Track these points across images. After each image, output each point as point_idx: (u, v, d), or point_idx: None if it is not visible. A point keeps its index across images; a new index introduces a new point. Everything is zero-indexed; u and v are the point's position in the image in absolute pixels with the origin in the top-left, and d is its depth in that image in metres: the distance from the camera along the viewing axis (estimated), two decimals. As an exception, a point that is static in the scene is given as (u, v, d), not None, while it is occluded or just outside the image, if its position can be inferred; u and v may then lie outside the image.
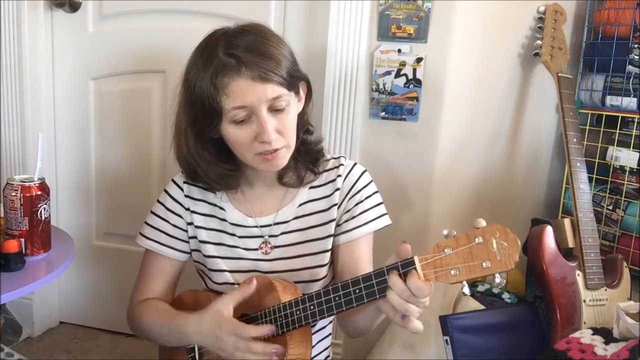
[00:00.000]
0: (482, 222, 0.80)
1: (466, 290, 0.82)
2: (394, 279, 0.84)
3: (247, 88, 0.97)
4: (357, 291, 0.90)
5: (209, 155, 1.06)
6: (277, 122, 1.00)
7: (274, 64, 0.98)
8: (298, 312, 0.96)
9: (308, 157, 1.12)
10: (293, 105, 1.04)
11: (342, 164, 1.13)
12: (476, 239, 0.79)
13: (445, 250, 0.81)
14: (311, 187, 1.13)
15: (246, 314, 1.04)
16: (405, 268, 0.84)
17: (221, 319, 0.96)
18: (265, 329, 0.96)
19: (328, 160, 1.15)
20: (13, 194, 1.07)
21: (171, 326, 1.06)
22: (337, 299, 0.92)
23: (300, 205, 1.12)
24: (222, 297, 1.00)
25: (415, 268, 0.83)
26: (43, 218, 1.10)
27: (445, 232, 0.82)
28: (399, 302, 0.84)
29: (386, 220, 1.12)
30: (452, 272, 0.81)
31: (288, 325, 0.97)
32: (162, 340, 1.12)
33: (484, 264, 0.79)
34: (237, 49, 0.97)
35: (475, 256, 0.79)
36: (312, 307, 0.95)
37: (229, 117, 0.99)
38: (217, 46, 0.99)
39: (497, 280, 0.79)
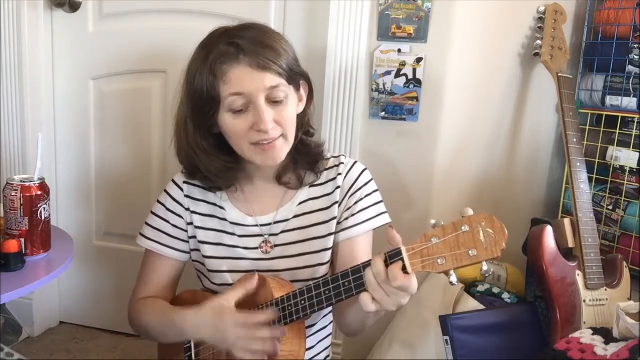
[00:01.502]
0: (470, 211, 0.80)
1: (453, 279, 0.82)
2: (377, 260, 0.85)
3: (245, 75, 0.98)
4: (347, 284, 0.91)
5: (209, 147, 1.07)
6: (275, 113, 1.01)
7: (273, 54, 0.99)
8: (290, 307, 0.97)
9: (307, 159, 1.12)
10: (292, 99, 1.04)
11: (342, 163, 1.13)
12: (462, 228, 0.79)
13: (433, 239, 0.81)
14: (311, 186, 1.13)
15: (240, 311, 1.04)
16: (392, 259, 0.85)
17: (222, 310, 0.97)
18: (270, 313, 0.96)
19: (328, 159, 1.15)
20: (13, 194, 1.07)
21: (169, 321, 1.06)
22: (327, 292, 0.93)
23: (301, 203, 1.12)
24: (222, 292, 1.01)
25: (402, 258, 0.84)
26: (43, 218, 1.10)
27: (432, 222, 0.83)
28: (372, 282, 0.85)
29: (385, 219, 1.12)
30: (439, 261, 0.81)
31: (280, 320, 0.98)
32: (161, 337, 1.12)
33: (470, 252, 0.79)
34: (237, 39, 0.99)
35: (462, 245, 0.79)
36: (303, 302, 0.96)
37: (227, 105, 1.00)
38: (219, 39, 1.01)
39: (485, 268, 0.80)
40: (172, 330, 1.06)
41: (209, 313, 0.99)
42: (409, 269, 0.83)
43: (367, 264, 0.88)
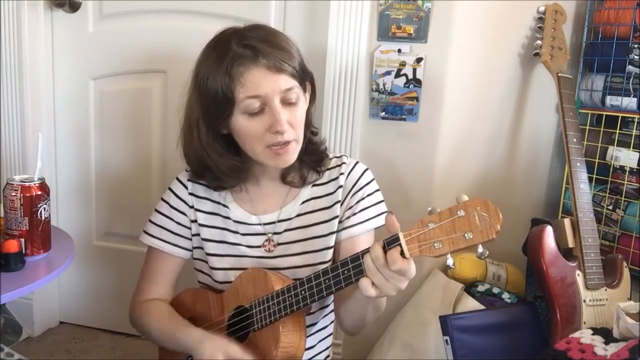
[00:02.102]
0: (464, 197, 0.82)
1: (450, 262, 0.84)
2: (375, 245, 0.87)
3: (261, 78, 0.98)
4: (346, 272, 0.92)
5: (220, 147, 1.07)
6: (289, 115, 1.02)
7: (287, 55, 1.00)
8: (290, 298, 0.98)
9: (314, 157, 1.13)
10: (302, 100, 1.05)
11: (344, 162, 1.14)
12: (458, 212, 0.81)
13: (429, 225, 0.83)
14: (314, 185, 1.14)
15: (241, 305, 1.06)
16: (390, 244, 0.86)
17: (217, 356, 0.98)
18: None
19: (331, 159, 1.16)
20: (13, 194, 1.07)
21: (171, 336, 1.08)
22: (327, 281, 0.94)
23: (304, 202, 1.13)
24: (224, 343, 1.00)
25: (400, 244, 0.85)
26: (43, 218, 1.10)
27: (429, 208, 0.84)
28: (371, 267, 0.86)
29: None
30: (436, 245, 0.82)
31: (280, 311, 0.98)
32: (161, 344, 1.14)
33: (466, 235, 0.80)
34: (251, 41, 0.99)
35: (457, 228, 0.81)
36: (303, 292, 0.97)
37: (242, 108, 1.00)
38: (230, 41, 1.01)
39: (480, 250, 0.81)
40: (172, 343, 1.08)
41: (207, 351, 0.99)
42: (407, 253, 0.85)
43: (366, 251, 0.89)
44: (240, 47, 0.99)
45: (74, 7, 1.67)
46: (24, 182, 1.09)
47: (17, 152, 1.72)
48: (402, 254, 0.85)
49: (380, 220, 1.12)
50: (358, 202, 1.11)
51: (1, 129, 1.71)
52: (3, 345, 1.61)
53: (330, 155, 1.16)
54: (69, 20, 1.69)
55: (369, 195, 1.12)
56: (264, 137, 1.02)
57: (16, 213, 1.07)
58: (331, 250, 1.11)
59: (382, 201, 1.14)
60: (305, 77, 1.06)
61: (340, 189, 1.12)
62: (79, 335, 1.86)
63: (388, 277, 0.86)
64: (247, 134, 1.03)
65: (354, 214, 1.11)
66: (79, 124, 1.76)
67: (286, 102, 1.01)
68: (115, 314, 1.78)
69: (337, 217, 1.11)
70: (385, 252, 0.86)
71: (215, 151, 1.07)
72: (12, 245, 1.04)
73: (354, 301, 1.04)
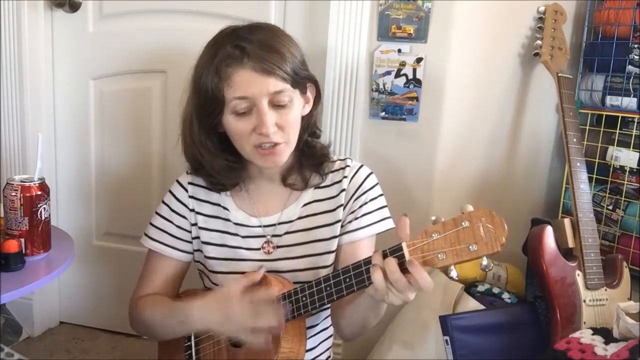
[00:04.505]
0: (469, 207, 0.81)
1: (454, 274, 0.83)
2: (375, 255, 0.86)
3: (249, 79, 0.98)
4: (347, 280, 0.91)
5: (212, 145, 1.07)
6: (278, 117, 1.01)
7: (278, 58, 0.99)
8: (290, 305, 0.97)
9: (313, 161, 1.11)
10: (297, 103, 1.04)
11: (348, 165, 1.13)
12: (463, 223, 0.80)
13: (433, 235, 0.82)
14: (316, 188, 1.13)
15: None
16: (393, 254, 0.85)
17: (229, 297, 0.97)
18: (273, 290, 0.96)
19: (334, 161, 1.15)
20: (13, 194, 1.07)
21: (174, 314, 1.06)
22: (328, 288, 0.94)
23: (305, 205, 1.12)
24: (227, 283, 1.01)
25: (403, 254, 0.84)
26: (43, 218, 1.10)
27: (433, 218, 0.84)
28: (378, 279, 0.85)
29: (389, 224, 1.12)
30: (440, 256, 0.82)
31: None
32: (163, 331, 1.10)
33: (470, 247, 0.79)
34: (244, 42, 0.99)
35: (462, 240, 0.80)
36: (304, 299, 0.96)
37: (231, 108, 1.00)
38: (226, 40, 1.01)
39: (484, 262, 0.81)
40: (176, 323, 1.05)
41: (216, 300, 0.99)
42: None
43: (368, 260, 0.89)
44: (232, 47, 0.99)
45: (74, 7, 1.67)
46: (24, 182, 1.09)
47: (17, 152, 1.72)
48: (403, 264, 0.84)
49: (383, 226, 1.11)
50: (361, 206, 1.10)
51: (1, 129, 1.71)
52: (3, 345, 1.61)
53: (335, 158, 1.15)
54: (69, 20, 1.69)
55: (372, 199, 1.11)
56: (250, 137, 1.02)
57: (16, 213, 1.07)
58: (333, 255, 1.10)
59: (386, 206, 1.13)
60: (301, 80, 1.04)
61: (343, 193, 1.11)
62: (79, 335, 1.85)
63: (394, 282, 0.84)
64: (235, 133, 1.03)
65: (356, 219, 1.10)
66: (79, 124, 1.76)
67: (276, 105, 1.00)
68: (115, 314, 1.78)
69: (339, 221, 1.10)
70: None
71: (207, 150, 1.07)
72: (12, 245, 1.04)
73: (354, 308, 1.03)
